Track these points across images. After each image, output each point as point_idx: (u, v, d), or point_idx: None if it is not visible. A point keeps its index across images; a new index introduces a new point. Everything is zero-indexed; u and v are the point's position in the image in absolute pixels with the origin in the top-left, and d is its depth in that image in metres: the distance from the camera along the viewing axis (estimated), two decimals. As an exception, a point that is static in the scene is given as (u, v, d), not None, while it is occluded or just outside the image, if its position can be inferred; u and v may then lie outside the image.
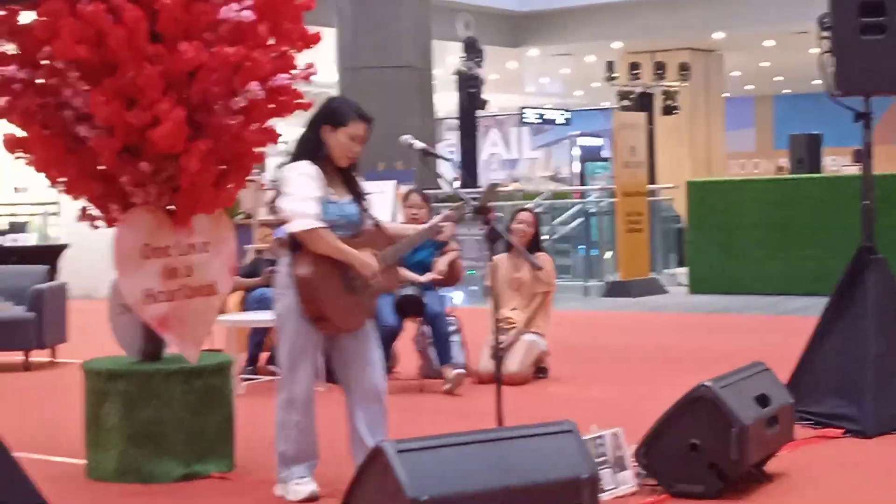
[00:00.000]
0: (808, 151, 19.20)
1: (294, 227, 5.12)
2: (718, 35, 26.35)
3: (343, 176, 5.36)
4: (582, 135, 32.03)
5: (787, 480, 5.67)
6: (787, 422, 5.78)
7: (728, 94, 31.58)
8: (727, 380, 5.48)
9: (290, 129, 6.42)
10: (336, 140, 5.25)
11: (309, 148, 5.27)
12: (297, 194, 5.13)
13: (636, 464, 5.44)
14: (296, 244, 5.20)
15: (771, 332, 11.85)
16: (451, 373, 8.41)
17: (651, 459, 5.40)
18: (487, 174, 33.17)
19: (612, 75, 24.05)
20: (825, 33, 6.88)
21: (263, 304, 9.26)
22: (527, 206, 9.84)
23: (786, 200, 15.65)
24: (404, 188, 10.76)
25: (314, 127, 5.30)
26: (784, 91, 38.34)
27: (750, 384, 5.59)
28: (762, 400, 5.54)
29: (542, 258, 9.02)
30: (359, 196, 5.40)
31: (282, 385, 5.40)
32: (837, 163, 30.49)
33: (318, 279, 5.13)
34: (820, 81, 6.96)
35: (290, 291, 5.23)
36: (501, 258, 8.96)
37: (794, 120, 33.34)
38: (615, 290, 16.42)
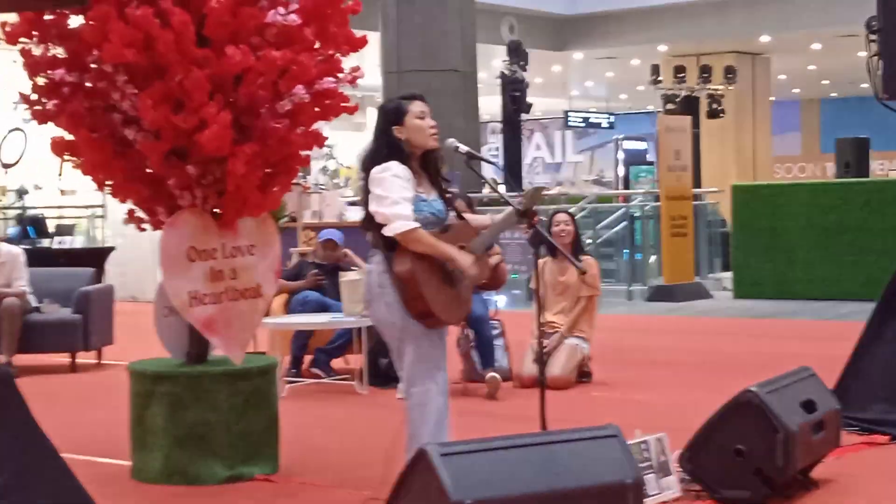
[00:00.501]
0: (854, 155, 19.00)
1: (392, 229, 5.04)
2: (765, 38, 26.21)
3: (428, 173, 5.34)
4: (626, 138, 31.95)
5: (834, 487, 5.63)
6: (834, 428, 5.74)
7: (774, 98, 31.38)
8: (773, 385, 5.44)
9: (335, 132, 6.42)
10: (409, 128, 5.20)
11: (387, 153, 5.17)
12: (392, 196, 5.06)
13: (680, 469, 5.42)
14: (389, 245, 5.14)
15: (817, 337, 11.76)
16: (489, 377, 8.44)
17: (696, 465, 5.38)
18: (531, 178, 33.19)
19: (657, 79, 23.96)
20: (873, 36, 6.83)
21: (307, 306, 9.31)
22: (562, 208, 9.83)
23: (832, 204, 15.54)
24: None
25: (384, 135, 5.22)
26: (831, 94, 38.08)
27: (796, 389, 5.55)
28: (808, 405, 5.50)
29: (588, 262, 9.01)
30: (443, 191, 5.38)
31: (413, 380, 5.20)
32: (885, 167, 30.26)
33: (420, 275, 5.08)
34: (867, 85, 6.91)
35: (386, 291, 5.15)
36: (547, 262, 8.96)
37: (840, 123, 33.08)
38: (659, 294, 16.35)
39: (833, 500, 5.44)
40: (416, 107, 5.24)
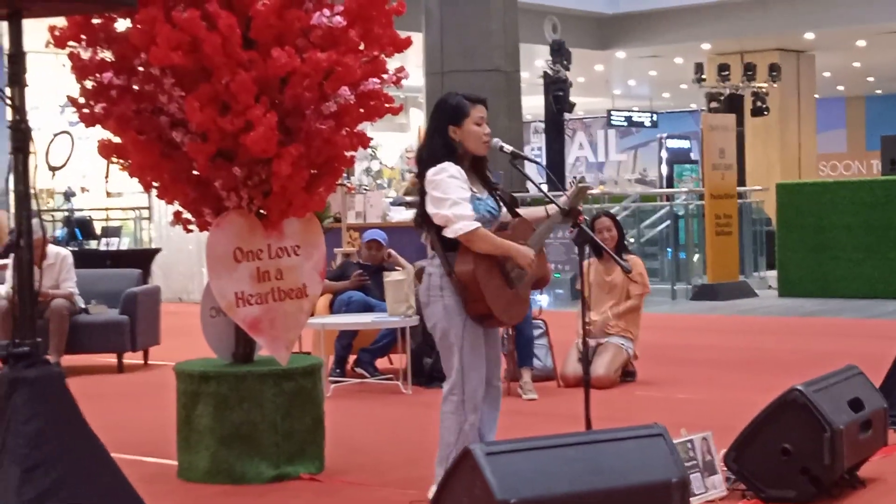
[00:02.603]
0: (900, 153, 18.86)
1: (454, 230, 5.02)
2: (809, 35, 26.03)
3: (478, 172, 5.33)
4: (670, 137, 31.84)
5: (882, 486, 5.59)
6: (881, 426, 5.70)
7: (819, 95, 31.17)
8: (820, 384, 5.42)
9: (378, 133, 6.43)
10: (466, 132, 5.18)
11: (444, 153, 5.15)
12: (451, 197, 5.04)
13: (726, 468, 5.41)
14: (448, 246, 5.12)
15: (864, 335, 11.69)
16: (526, 377, 8.46)
17: (741, 464, 5.36)
18: (574, 177, 33.12)
19: (701, 77, 23.87)
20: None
21: (352, 307, 9.35)
22: (603, 210, 9.81)
23: (878, 202, 15.43)
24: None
25: (440, 132, 5.19)
26: (876, 91, 37.78)
27: (843, 388, 5.53)
28: (855, 404, 5.47)
29: (634, 261, 9.00)
30: (493, 190, 5.37)
31: (453, 388, 5.19)
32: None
33: (481, 276, 5.07)
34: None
35: (445, 293, 5.13)
36: (592, 262, 8.95)
37: (886, 120, 32.85)
38: (703, 293, 16.29)
39: (880, 500, 5.41)
40: (477, 112, 5.20)
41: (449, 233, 5.03)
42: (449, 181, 5.05)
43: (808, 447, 5.19)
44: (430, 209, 5.08)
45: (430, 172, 5.10)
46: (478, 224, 5.03)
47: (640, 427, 4.37)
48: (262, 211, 6.07)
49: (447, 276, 5.10)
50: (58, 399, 4.22)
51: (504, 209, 5.37)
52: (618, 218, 9.24)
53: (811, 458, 5.19)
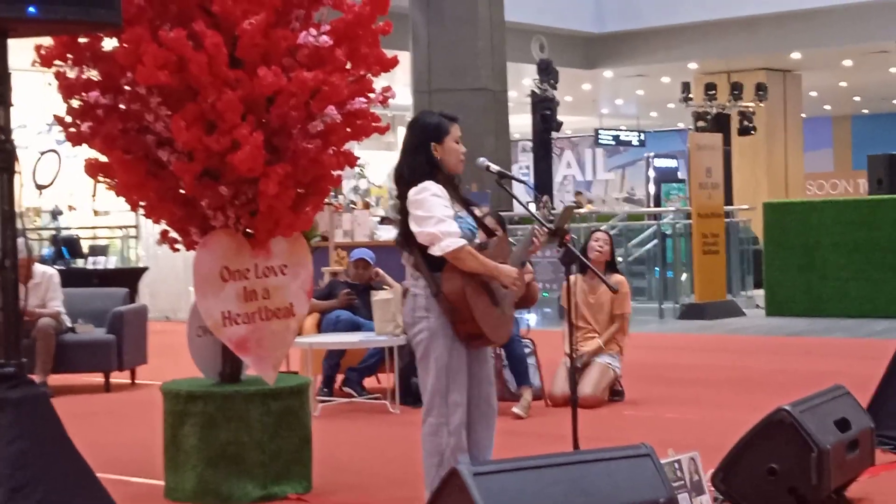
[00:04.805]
0: (887, 172, 18.90)
1: (440, 248, 5.00)
2: (795, 55, 26.13)
3: (454, 192, 5.32)
4: (657, 156, 31.91)
5: (869, 506, 5.60)
6: (868, 446, 5.70)
7: (805, 115, 31.26)
8: (806, 403, 5.42)
9: (365, 151, 6.43)
10: (447, 150, 5.18)
11: (427, 170, 5.15)
12: (435, 215, 5.03)
13: (713, 488, 5.40)
14: (433, 265, 5.11)
15: (850, 355, 11.69)
16: (527, 396, 8.45)
17: (729, 484, 5.36)
18: (562, 196, 33.21)
19: (688, 96, 23.93)
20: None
21: (339, 326, 9.33)
22: (602, 227, 9.82)
23: (865, 221, 15.46)
24: (479, 212, 10.74)
25: (421, 150, 5.18)
26: (862, 111, 37.93)
27: (830, 408, 5.53)
28: (842, 424, 5.47)
29: (617, 279, 8.98)
30: (470, 208, 5.37)
31: (430, 410, 5.19)
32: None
33: (471, 296, 5.06)
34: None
35: (431, 314, 5.12)
36: (577, 280, 8.93)
37: (872, 140, 32.96)
38: (691, 312, 16.30)
39: (868, 520, 5.41)
40: (456, 130, 5.24)
41: (436, 250, 5.00)
42: (432, 199, 5.05)
43: (795, 467, 5.19)
44: (414, 228, 5.06)
45: (413, 192, 5.08)
46: (464, 242, 5.03)
47: (627, 447, 4.36)
48: (248, 230, 6.06)
49: (433, 296, 5.08)
50: (43, 419, 4.21)
51: (487, 230, 5.37)
52: (612, 240, 9.22)
53: (798, 478, 5.18)
